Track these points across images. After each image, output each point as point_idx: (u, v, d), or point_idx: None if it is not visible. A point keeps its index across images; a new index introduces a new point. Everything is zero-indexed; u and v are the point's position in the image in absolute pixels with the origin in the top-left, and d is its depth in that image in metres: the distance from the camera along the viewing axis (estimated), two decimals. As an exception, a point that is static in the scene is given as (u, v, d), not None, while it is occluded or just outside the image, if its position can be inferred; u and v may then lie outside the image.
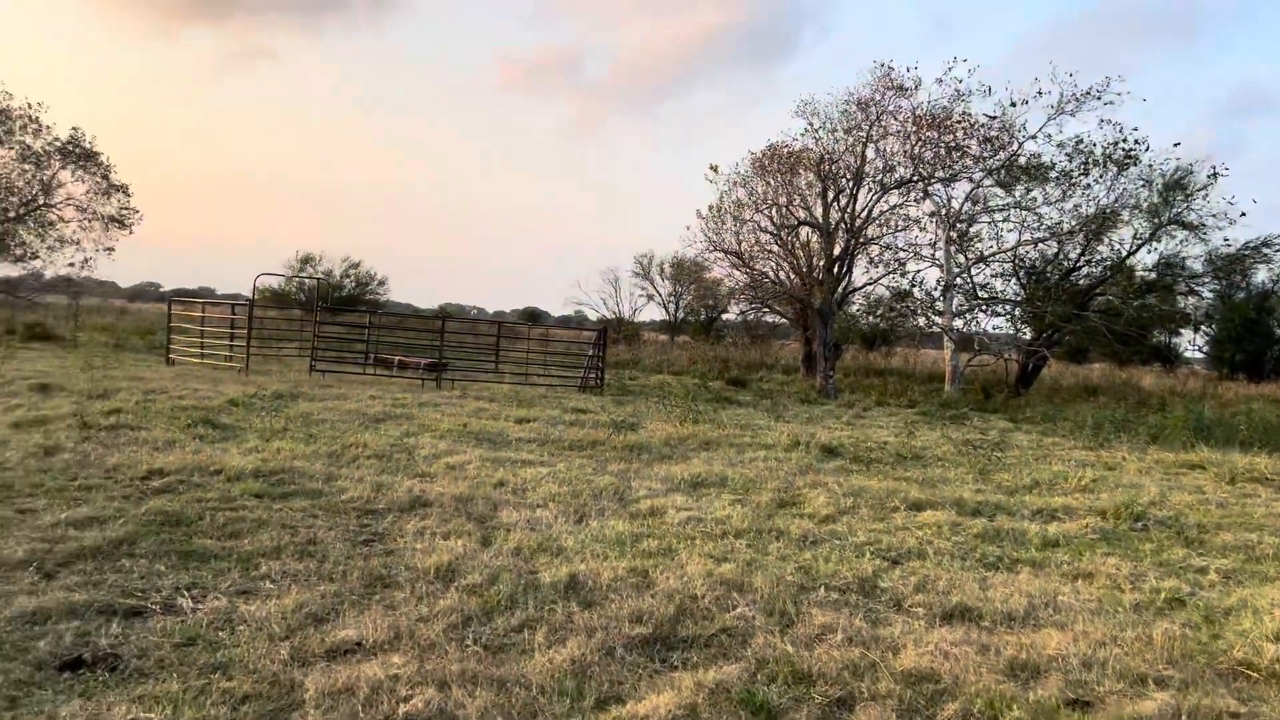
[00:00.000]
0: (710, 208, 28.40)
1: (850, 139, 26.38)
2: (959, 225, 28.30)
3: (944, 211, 28.04)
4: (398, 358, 24.43)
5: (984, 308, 28.81)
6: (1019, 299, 28.72)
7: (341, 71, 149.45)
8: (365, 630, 4.77)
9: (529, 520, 7.66)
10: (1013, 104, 26.14)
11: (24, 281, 35.53)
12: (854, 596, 6.17)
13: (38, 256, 30.20)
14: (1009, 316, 29.44)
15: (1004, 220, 28.20)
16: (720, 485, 9.85)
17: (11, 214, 29.83)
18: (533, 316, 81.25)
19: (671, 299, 60.47)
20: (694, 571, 6.27)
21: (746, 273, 29.60)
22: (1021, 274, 29.02)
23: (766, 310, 40.76)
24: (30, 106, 29.64)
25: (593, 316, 60.55)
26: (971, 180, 27.55)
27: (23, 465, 8.56)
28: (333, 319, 27.83)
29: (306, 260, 65.20)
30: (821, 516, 8.54)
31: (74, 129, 30.39)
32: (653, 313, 62.93)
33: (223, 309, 26.31)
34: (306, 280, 63.44)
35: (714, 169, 28.17)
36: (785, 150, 27.33)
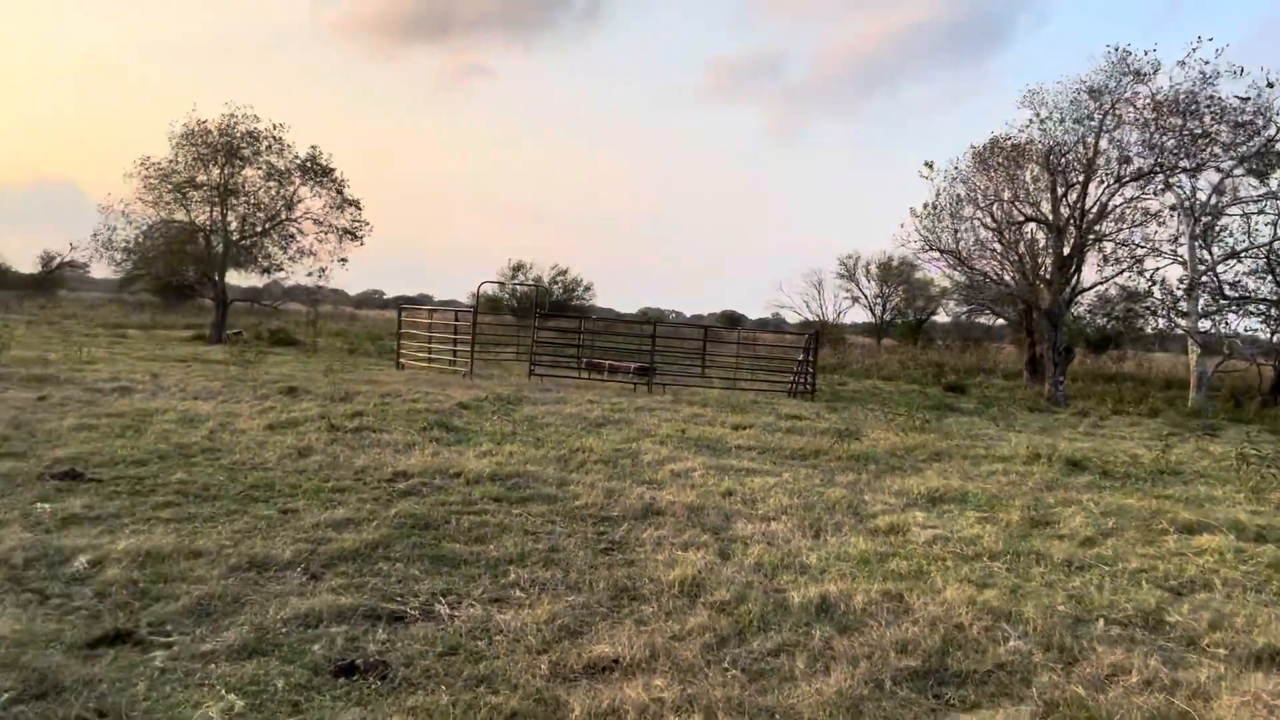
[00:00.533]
0: (925, 205, 27.25)
1: (1081, 129, 24.65)
2: (1205, 218, 25.92)
3: (1188, 204, 25.76)
4: (608, 362, 24.77)
5: (1234, 308, 26.26)
6: (1276, 298, 26.00)
7: (550, 86, 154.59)
8: (621, 647, 4.63)
9: (764, 533, 7.40)
10: (1269, 85, 23.66)
11: (268, 290, 38.47)
12: (1138, 631, 5.55)
13: (281, 268, 32.60)
14: (1264, 318, 26.70)
15: (1259, 212, 25.61)
16: (961, 501, 9.25)
17: (259, 228, 32.34)
18: (732, 320, 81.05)
19: (878, 300, 58.76)
20: (954, 597, 5.82)
21: (965, 272, 28.22)
22: (1279, 271, 26.25)
23: (984, 312, 38.87)
24: (275, 127, 32.05)
25: (793, 320, 59.69)
26: (1220, 170, 25.17)
27: (280, 466, 9.07)
28: (546, 324, 28.60)
29: (518, 268, 67.72)
30: (1082, 538, 7.83)
31: (312, 147, 32.62)
32: (856, 315, 61.24)
33: (446, 315, 27.51)
34: (519, 287, 66.02)
35: (929, 165, 27.02)
36: (1009, 143, 25.87)
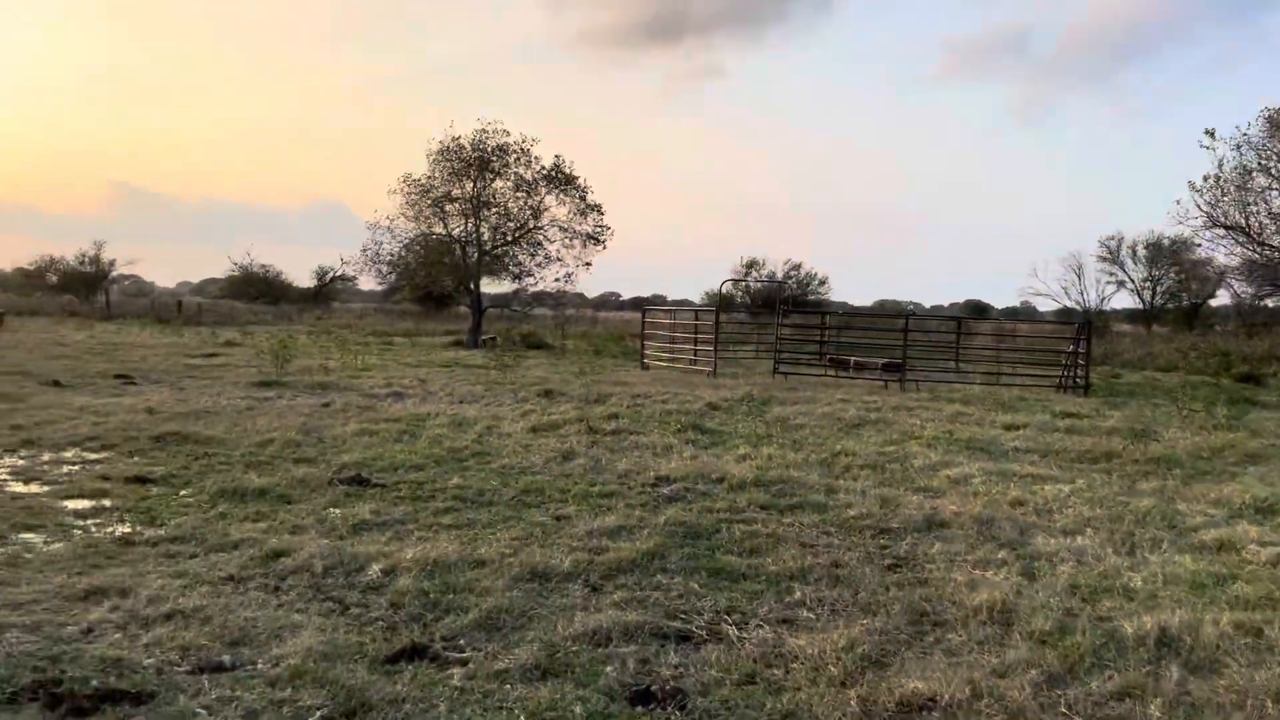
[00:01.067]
0: (1206, 178, 24.58)
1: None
2: None
3: None
4: (853, 358, 23.93)
5: None
6: None
7: (782, 80, 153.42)
8: (936, 683, 4.13)
9: (1070, 550, 6.61)
10: None
11: (517, 296, 40.04)
12: None
13: (530, 274, 33.87)
14: None
15: None
16: (1299, 512, 8.00)
17: (509, 237, 33.75)
18: (978, 310, 76.98)
19: (1147, 284, 53.88)
20: (1329, 634, 4.88)
21: (1256, 250, 25.23)
22: None
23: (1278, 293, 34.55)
24: (523, 140, 33.31)
25: (1046, 308, 55.66)
26: None
27: (546, 469, 9.13)
28: (786, 321, 28.05)
29: (751, 265, 67.32)
30: None
31: (556, 157, 33.64)
32: (1121, 300, 56.18)
33: (686, 315, 27.53)
34: (752, 284, 65.68)
35: (1210, 134, 24.38)
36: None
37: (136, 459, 9.24)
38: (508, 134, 33.25)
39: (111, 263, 59.64)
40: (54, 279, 59.92)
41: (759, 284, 64.54)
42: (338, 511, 7.15)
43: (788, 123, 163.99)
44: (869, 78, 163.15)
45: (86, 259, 58.85)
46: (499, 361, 18.70)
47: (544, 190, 33.72)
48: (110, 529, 6.51)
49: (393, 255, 34.43)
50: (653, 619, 4.88)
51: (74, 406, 12.46)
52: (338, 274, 69.48)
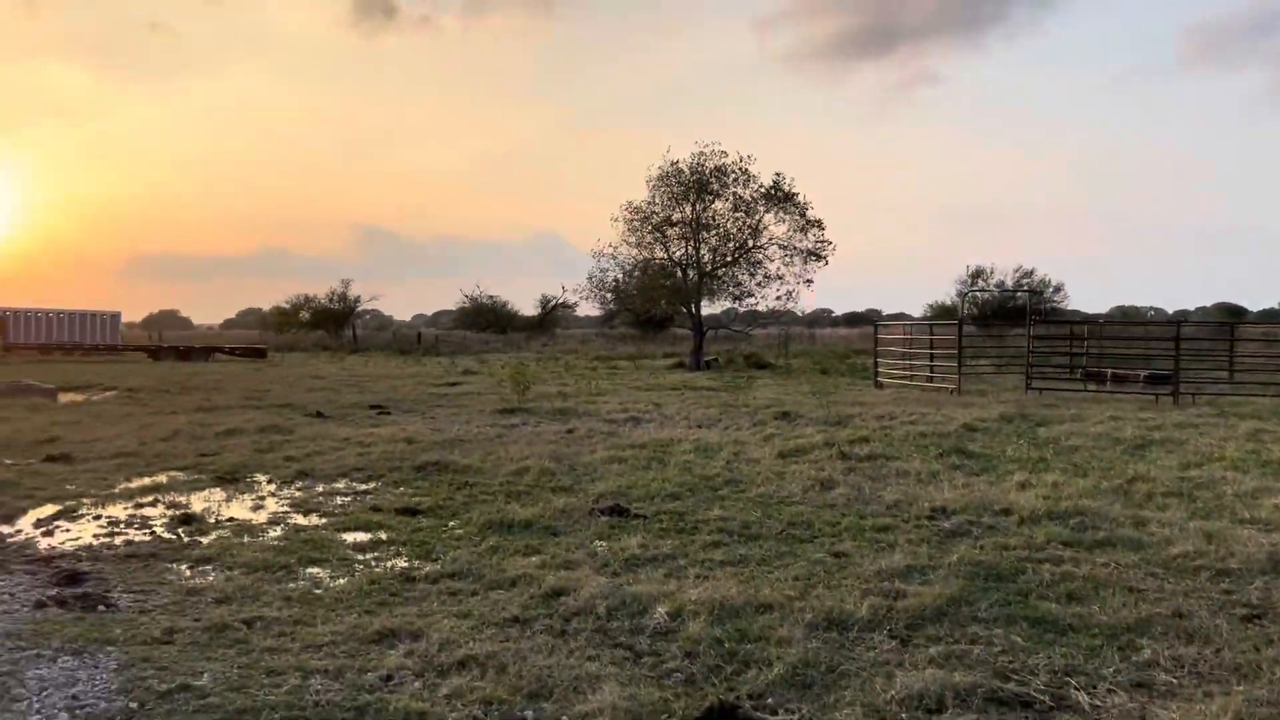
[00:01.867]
0: None
1: None
2: None
3: None
4: (1110, 371, 22.03)
5: None
6: None
7: (1001, 81, 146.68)
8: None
9: None
10: None
11: (737, 317, 39.75)
12: None
13: (750, 294, 33.50)
14: None
15: None
16: None
17: (729, 258, 33.53)
18: (1233, 312, 70.26)
19: None
20: None
21: None
22: None
23: None
24: (741, 160, 33.06)
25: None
26: None
27: (806, 499, 8.61)
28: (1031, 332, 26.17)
29: (977, 274, 64.11)
30: None
31: (776, 174, 33.15)
32: None
33: (922, 329, 26.25)
34: (979, 294, 62.65)
35: None
36: None
37: (402, 489, 9.45)
38: (725, 155, 33.15)
39: (357, 299, 64.06)
40: (307, 316, 64.90)
41: (986, 293, 61.51)
42: (605, 545, 6.91)
43: (1008, 125, 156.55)
44: (1096, 72, 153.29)
45: (335, 296, 63.51)
46: (731, 384, 18.31)
47: (763, 209, 33.32)
48: (390, 563, 6.53)
49: (616, 281, 34.97)
50: (983, 680, 4.26)
51: (338, 437, 13.07)
52: (559, 302, 71.66)
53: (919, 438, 12.38)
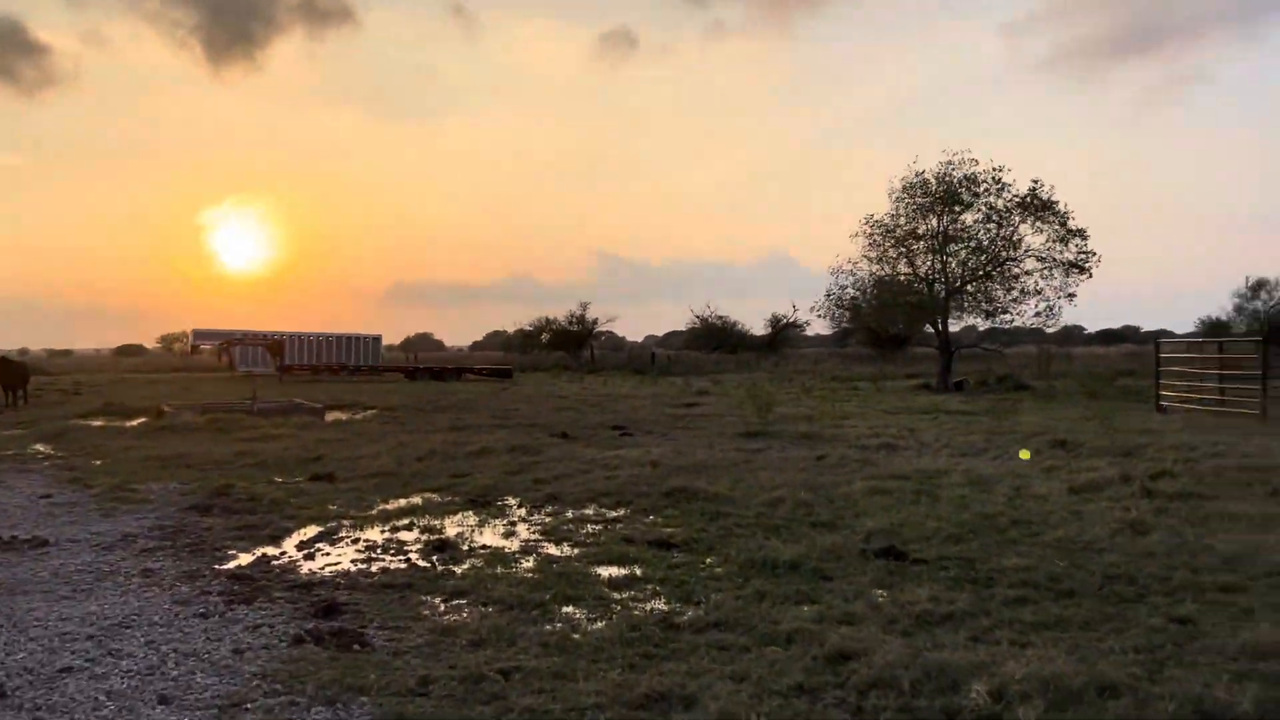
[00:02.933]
0: None
1: None
2: None
3: None
4: None
5: None
6: None
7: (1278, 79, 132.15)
8: None
9: None
10: None
11: (984, 335, 37.36)
12: None
13: (1006, 310, 31.22)
14: None
15: None
16: None
17: (980, 272, 31.45)
18: None
19: None
20: None
21: None
22: None
23: None
24: (995, 169, 30.99)
25: None
26: None
27: (1117, 547, 7.36)
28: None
29: (1259, 286, 57.61)
30: None
31: (1033, 182, 30.82)
32: None
33: (1212, 347, 23.39)
34: (1261, 308, 56.31)
35: None
36: None
37: (652, 518, 8.96)
38: (976, 162, 31.19)
39: (594, 321, 65.65)
40: (547, 338, 67.14)
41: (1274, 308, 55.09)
42: (886, 595, 6.07)
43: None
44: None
45: (574, 319, 65.36)
46: (991, 408, 16.80)
47: (1018, 218, 31.07)
48: (648, 605, 5.98)
49: (855, 298, 33.66)
50: None
51: (584, 459, 12.84)
52: (790, 321, 70.55)
53: (1235, 473, 10.64)
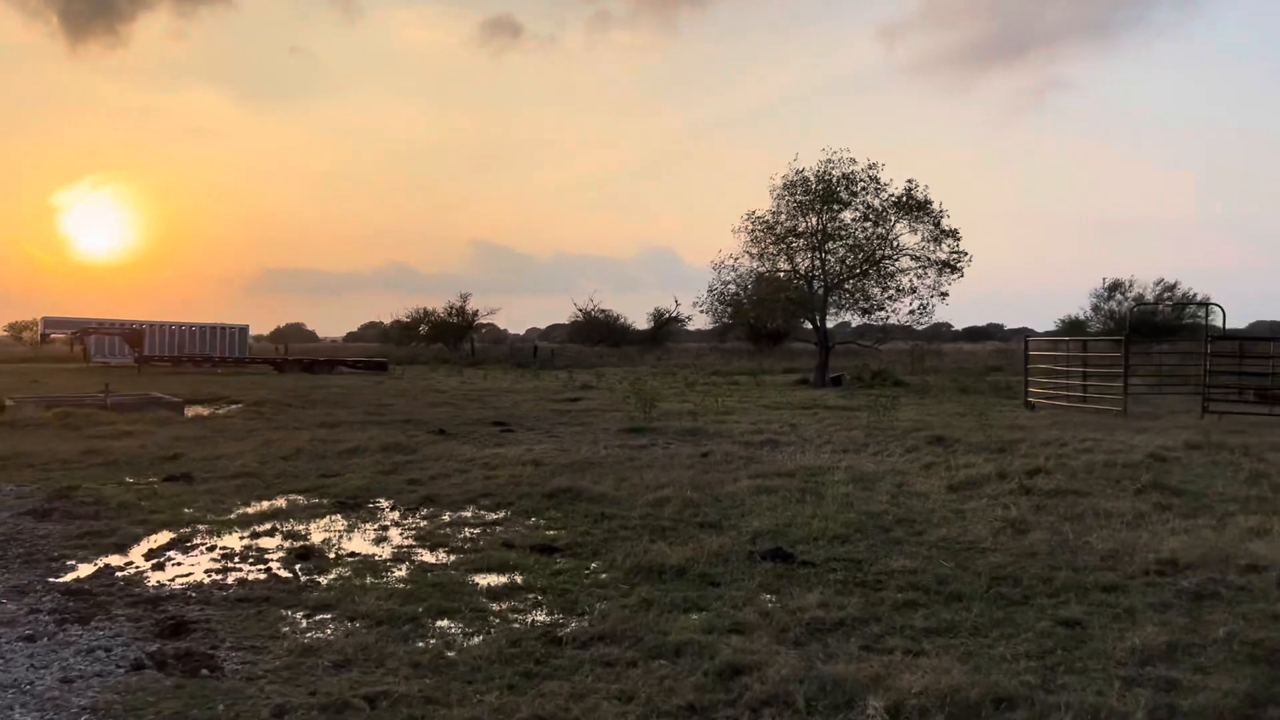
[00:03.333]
0: None
1: None
2: None
3: None
4: (1292, 392, 19.90)
5: None
6: None
7: (1138, 88, 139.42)
8: None
9: None
10: None
11: (859, 332, 38.19)
12: None
13: (882, 308, 31.92)
14: None
15: None
16: None
17: (858, 270, 32.06)
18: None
19: None
20: None
21: None
22: None
23: None
24: (871, 167, 31.60)
25: None
26: None
27: (1001, 547, 7.38)
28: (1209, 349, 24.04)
29: (1114, 287, 60.76)
30: None
31: (909, 182, 31.56)
32: None
33: (1076, 346, 24.37)
34: (1116, 308, 59.42)
35: None
36: None
37: (534, 520, 8.61)
38: (854, 162, 31.74)
39: (475, 313, 64.54)
40: (425, 329, 65.69)
41: (1152, 306, 58.31)
42: (775, 600, 5.88)
43: (1145, 132, 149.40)
44: (1237, 79, 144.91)
45: (454, 310, 64.15)
46: (872, 403, 17.01)
47: (894, 218, 31.77)
48: (529, 616, 5.64)
49: (736, 293, 33.89)
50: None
51: (462, 458, 12.37)
52: (672, 315, 70.99)
53: (1104, 469, 10.95)
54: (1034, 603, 5.85)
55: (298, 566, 6.88)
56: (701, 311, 35.64)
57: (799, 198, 32.02)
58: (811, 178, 31.99)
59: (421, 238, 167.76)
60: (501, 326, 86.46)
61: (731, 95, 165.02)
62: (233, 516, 8.77)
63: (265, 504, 9.46)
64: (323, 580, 6.48)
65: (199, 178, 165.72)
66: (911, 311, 31.77)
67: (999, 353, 52.10)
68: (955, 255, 31.54)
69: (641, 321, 72.54)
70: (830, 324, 33.74)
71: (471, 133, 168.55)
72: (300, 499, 9.76)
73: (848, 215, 31.97)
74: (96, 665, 4.66)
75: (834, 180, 31.82)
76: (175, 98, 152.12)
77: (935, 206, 31.42)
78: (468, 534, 8.06)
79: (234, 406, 21.85)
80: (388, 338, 69.43)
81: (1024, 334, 39.82)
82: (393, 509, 9.26)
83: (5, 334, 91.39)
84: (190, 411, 20.02)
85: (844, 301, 32.36)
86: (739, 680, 4.44)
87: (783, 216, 32.22)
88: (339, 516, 8.86)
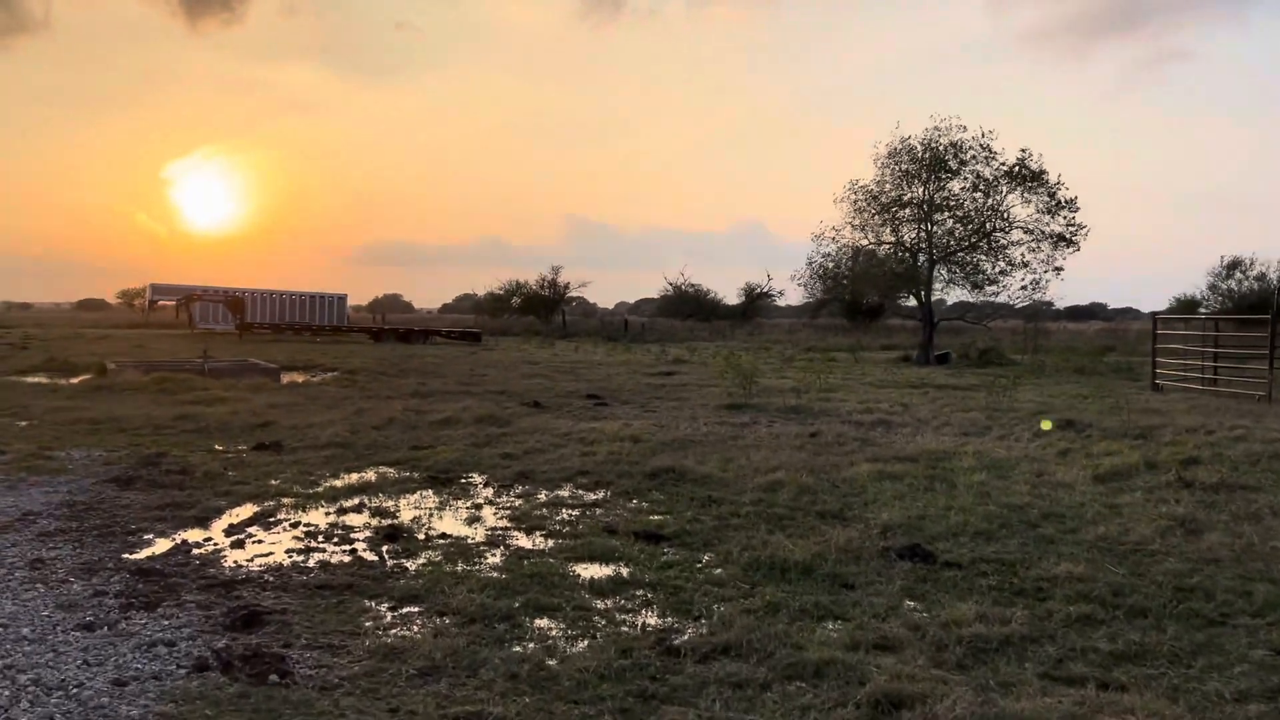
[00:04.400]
0: None
1: None
2: None
3: None
4: None
5: None
6: None
7: (1263, 57, 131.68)
8: None
9: None
10: None
11: (969, 309, 36.62)
12: None
13: (994, 282, 30.33)
14: None
15: None
16: None
17: (966, 243, 30.55)
18: None
19: None
20: None
21: None
22: None
23: None
24: (983, 135, 30.00)
25: None
26: None
27: (1172, 548, 6.42)
28: None
29: (1234, 265, 57.30)
30: None
31: (1022, 151, 29.85)
32: None
33: (1208, 325, 22.63)
34: (1235, 287, 56.30)
35: None
36: None
37: (636, 502, 7.94)
38: (964, 129, 30.16)
39: (566, 286, 64.23)
40: (518, 302, 65.60)
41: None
42: (923, 610, 5.07)
43: (1266, 104, 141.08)
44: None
45: (546, 283, 63.92)
46: (990, 383, 15.86)
47: (1005, 188, 30.13)
48: (639, 619, 4.94)
49: (836, 267, 32.68)
50: None
51: (558, 432, 11.77)
52: (763, 290, 69.71)
53: (1270, 460, 9.78)
54: (1236, 623, 4.92)
55: (385, 549, 6.33)
56: (799, 285, 34.55)
57: (905, 166, 30.59)
58: (918, 145, 30.54)
59: (516, 212, 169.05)
60: (591, 300, 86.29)
61: (830, 67, 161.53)
62: (320, 490, 8.31)
63: (354, 476, 8.99)
64: (411, 565, 5.91)
65: (304, 151, 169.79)
66: (1024, 287, 30.15)
67: (1107, 333, 49.69)
68: (1071, 228, 29.79)
69: (732, 296, 71.44)
70: (947, 299, 32.36)
71: (568, 108, 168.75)
72: (391, 472, 9.27)
73: (956, 185, 30.45)
74: (156, 664, 4.12)
75: (942, 148, 30.31)
76: (283, 73, 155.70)
77: (1050, 177, 29.70)
78: (566, 516, 7.42)
79: (329, 374, 21.74)
80: (481, 309, 69.64)
81: (1128, 314, 37.68)
82: (486, 485, 8.70)
83: (118, 301, 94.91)
84: (286, 378, 19.94)
85: (954, 276, 30.88)
86: (900, 717, 3.66)
87: (888, 186, 30.86)
88: (429, 492, 8.33)
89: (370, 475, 9.07)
